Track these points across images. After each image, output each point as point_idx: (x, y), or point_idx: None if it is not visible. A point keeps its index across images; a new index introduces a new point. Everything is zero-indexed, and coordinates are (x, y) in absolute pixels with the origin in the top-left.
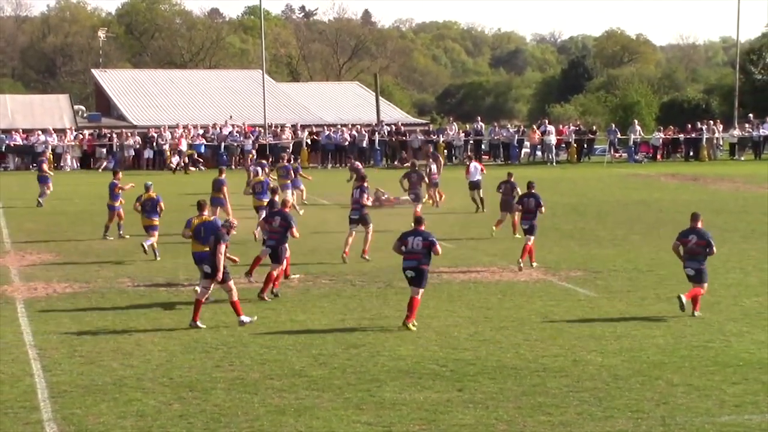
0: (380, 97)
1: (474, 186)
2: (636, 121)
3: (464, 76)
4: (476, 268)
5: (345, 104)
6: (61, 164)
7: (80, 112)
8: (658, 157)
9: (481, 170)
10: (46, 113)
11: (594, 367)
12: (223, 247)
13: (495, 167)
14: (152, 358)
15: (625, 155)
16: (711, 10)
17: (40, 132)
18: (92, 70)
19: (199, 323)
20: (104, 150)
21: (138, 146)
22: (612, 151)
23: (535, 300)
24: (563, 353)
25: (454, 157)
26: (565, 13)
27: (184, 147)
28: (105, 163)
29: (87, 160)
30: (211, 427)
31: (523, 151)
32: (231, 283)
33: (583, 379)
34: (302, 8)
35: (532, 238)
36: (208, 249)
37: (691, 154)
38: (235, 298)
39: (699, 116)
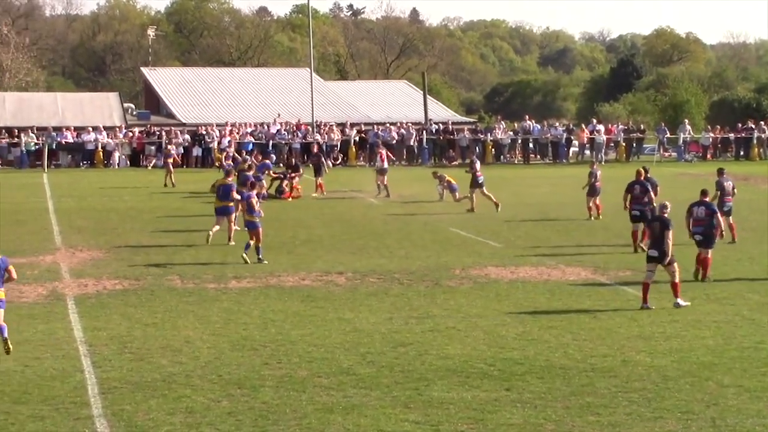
0: (428, 96)
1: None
2: (686, 120)
3: (512, 75)
4: (524, 267)
5: (393, 103)
6: (111, 162)
7: (130, 110)
8: (708, 156)
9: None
10: (96, 111)
11: (643, 367)
12: (671, 233)
13: (543, 167)
14: (201, 355)
15: (674, 154)
16: (762, 8)
17: (90, 129)
18: (141, 68)
19: (648, 305)
20: (153, 148)
21: (187, 144)
22: (661, 150)
23: (584, 300)
24: (612, 353)
25: (502, 157)
26: (613, 12)
27: (226, 145)
28: (154, 161)
29: (136, 158)
30: (259, 424)
31: (572, 150)
32: (675, 265)
33: (632, 379)
34: (350, 6)
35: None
36: None
37: (742, 153)
38: (677, 279)
39: (750, 115)
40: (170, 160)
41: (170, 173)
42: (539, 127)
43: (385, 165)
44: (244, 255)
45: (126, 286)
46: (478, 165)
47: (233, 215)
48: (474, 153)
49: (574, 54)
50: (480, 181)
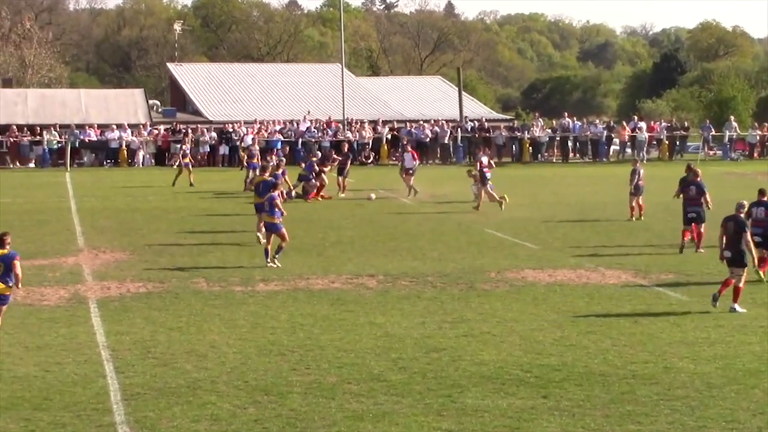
0: (463, 92)
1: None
2: (732, 117)
3: (551, 70)
4: (563, 270)
5: (426, 99)
6: (135, 160)
7: (155, 107)
8: (755, 155)
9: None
10: (120, 108)
11: (686, 374)
12: (748, 236)
13: (582, 165)
14: (227, 361)
15: (719, 153)
16: None
17: (114, 127)
18: (167, 64)
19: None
20: (179, 146)
21: (214, 142)
22: (706, 148)
23: (624, 304)
24: (654, 359)
25: (540, 155)
26: (657, 5)
27: (248, 143)
28: (179, 160)
29: (161, 156)
30: None
31: (612, 148)
32: (745, 270)
33: (674, 386)
34: (383, 0)
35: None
36: None
37: None
38: (741, 284)
39: None
40: (187, 159)
41: (188, 172)
42: (579, 124)
43: (410, 164)
44: (276, 261)
45: (150, 289)
46: (485, 160)
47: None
48: (481, 150)
49: (615, 48)
50: (487, 177)
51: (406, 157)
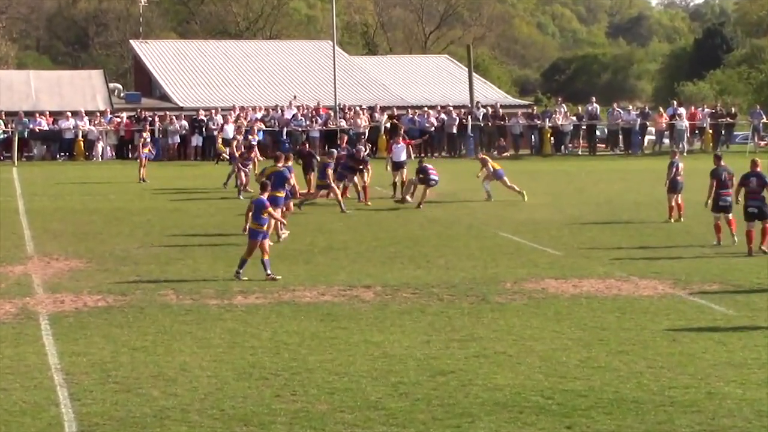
0: (474, 74)
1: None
2: None
3: (576, 48)
4: (589, 280)
5: (431, 82)
6: (94, 153)
7: (116, 92)
8: None
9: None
10: (76, 93)
11: (733, 401)
12: None
13: (613, 158)
14: (200, 386)
15: None
16: None
17: (69, 115)
18: (131, 42)
19: None
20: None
21: (184, 132)
22: (756, 138)
23: (661, 319)
24: (695, 384)
25: (563, 147)
26: None
27: (230, 134)
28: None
29: (124, 149)
30: None
31: (647, 138)
32: None
33: (719, 415)
34: None
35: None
36: None
37: None
38: None
39: None
40: (145, 151)
41: (141, 166)
42: (609, 111)
43: (400, 156)
44: (269, 275)
45: (110, 303)
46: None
47: (282, 207)
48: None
49: (651, 23)
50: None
51: (396, 149)
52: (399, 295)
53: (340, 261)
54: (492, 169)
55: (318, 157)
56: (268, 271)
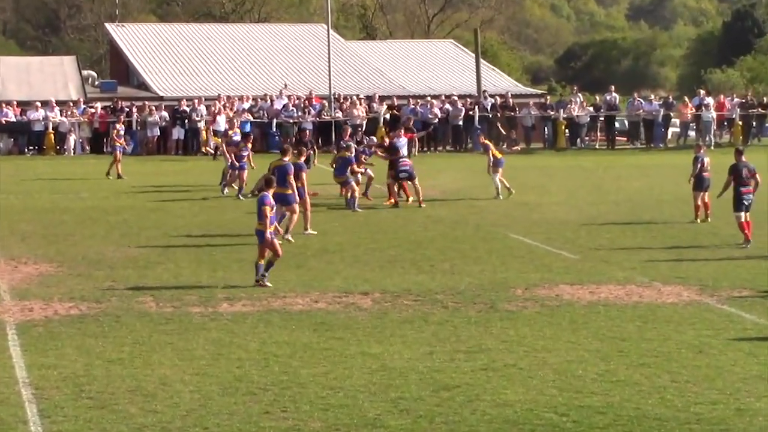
0: (482, 60)
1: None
2: None
3: (593, 32)
4: (608, 286)
5: (435, 69)
6: (65, 147)
7: (90, 80)
8: None
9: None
10: (46, 81)
11: (765, 418)
12: None
13: (633, 153)
14: (181, 402)
15: None
16: None
17: (38, 105)
18: (106, 25)
19: None
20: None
21: (165, 124)
22: None
23: (686, 328)
24: (723, 399)
25: (579, 140)
26: None
27: (221, 126)
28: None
29: (98, 142)
30: None
31: (671, 131)
32: None
33: None
34: None
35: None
36: None
37: None
38: None
39: None
40: (119, 144)
41: (117, 162)
42: (629, 100)
43: (405, 152)
44: (263, 280)
45: (84, 311)
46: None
47: (295, 205)
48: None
49: (675, 4)
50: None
51: (398, 142)
52: (399, 303)
53: (335, 265)
54: (493, 158)
55: (315, 150)
56: (261, 274)
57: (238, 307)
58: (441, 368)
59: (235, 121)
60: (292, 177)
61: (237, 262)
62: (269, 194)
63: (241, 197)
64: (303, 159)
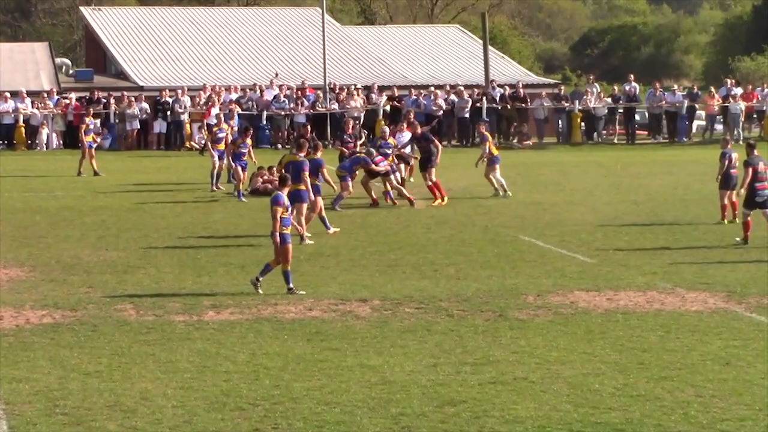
0: (490, 48)
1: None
2: None
3: (611, 17)
4: (627, 292)
5: (439, 57)
6: (37, 141)
7: (64, 68)
8: None
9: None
10: (16, 69)
11: None
12: None
13: (654, 147)
14: (163, 418)
15: None
16: None
17: (7, 96)
18: (81, 9)
19: None
20: (97, 122)
21: (146, 116)
22: None
23: (712, 338)
24: (752, 415)
25: (596, 134)
26: None
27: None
28: (99, 141)
29: (73, 136)
30: None
31: (696, 123)
32: None
33: None
34: None
35: None
36: None
37: None
38: None
39: None
40: (89, 139)
41: (89, 157)
42: (650, 91)
43: (409, 148)
44: (258, 282)
45: (58, 319)
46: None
47: (305, 204)
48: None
49: None
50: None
51: (400, 138)
52: (401, 311)
53: (331, 270)
54: (489, 153)
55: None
56: (259, 278)
57: (225, 316)
58: (446, 382)
59: (221, 115)
60: (307, 174)
61: (223, 267)
62: (283, 194)
63: (243, 199)
64: (320, 154)
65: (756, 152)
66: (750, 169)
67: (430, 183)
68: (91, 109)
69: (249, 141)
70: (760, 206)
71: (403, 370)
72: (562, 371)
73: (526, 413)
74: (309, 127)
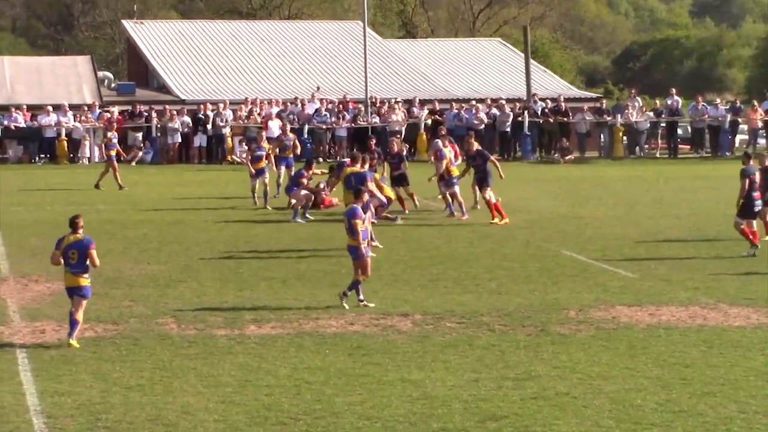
0: (532, 61)
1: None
2: None
3: (654, 31)
4: (669, 308)
5: (481, 70)
6: (79, 155)
7: (106, 82)
8: None
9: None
10: (59, 83)
11: None
12: None
13: (697, 162)
14: None
15: None
16: None
17: (50, 109)
18: (123, 22)
19: None
20: (139, 135)
21: (187, 130)
22: None
23: (755, 354)
24: None
25: (638, 148)
26: None
27: (275, 131)
28: (140, 154)
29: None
30: None
31: (739, 138)
32: None
33: None
34: None
35: None
36: None
37: None
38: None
39: None
40: (113, 153)
41: (114, 170)
42: (692, 105)
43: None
44: (345, 298)
45: (100, 333)
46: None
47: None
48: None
49: (743, 0)
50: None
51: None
52: (442, 325)
53: (373, 284)
54: (442, 167)
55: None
56: (360, 296)
57: (267, 330)
58: (487, 397)
59: (262, 133)
60: (370, 184)
61: (265, 281)
62: (359, 206)
63: (300, 220)
64: (368, 167)
65: (752, 162)
66: (747, 180)
67: (485, 201)
68: (115, 125)
69: (310, 173)
70: (752, 216)
71: (445, 385)
72: (604, 386)
73: (568, 429)
74: (373, 140)
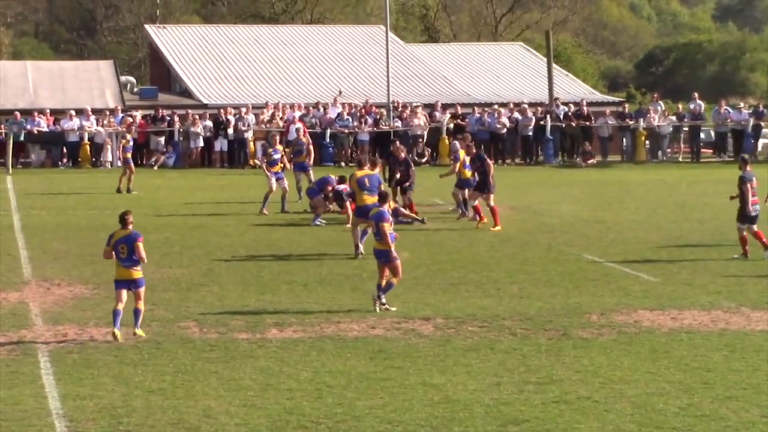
0: (554, 65)
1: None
2: None
3: (676, 35)
4: (692, 312)
5: (503, 75)
6: (102, 159)
7: (129, 86)
8: None
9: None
10: (81, 87)
11: None
12: None
13: (720, 166)
14: None
15: None
16: None
17: (72, 114)
18: (146, 27)
19: None
20: (161, 139)
21: (209, 134)
22: None
23: None
24: None
25: (660, 152)
26: None
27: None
28: (162, 159)
29: (138, 154)
30: None
31: (762, 142)
32: None
33: None
34: None
35: None
36: None
37: None
38: None
39: None
40: (129, 155)
41: (130, 173)
42: (715, 109)
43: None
44: (380, 301)
45: (122, 337)
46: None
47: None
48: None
49: (766, 5)
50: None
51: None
52: (464, 329)
53: (394, 288)
54: (457, 169)
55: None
56: (383, 300)
57: (288, 334)
58: (509, 401)
59: (277, 137)
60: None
61: (287, 284)
62: (386, 209)
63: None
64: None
65: (749, 167)
66: (748, 185)
67: (489, 207)
68: (133, 127)
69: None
70: (751, 221)
71: (466, 389)
72: (625, 390)
73: None
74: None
